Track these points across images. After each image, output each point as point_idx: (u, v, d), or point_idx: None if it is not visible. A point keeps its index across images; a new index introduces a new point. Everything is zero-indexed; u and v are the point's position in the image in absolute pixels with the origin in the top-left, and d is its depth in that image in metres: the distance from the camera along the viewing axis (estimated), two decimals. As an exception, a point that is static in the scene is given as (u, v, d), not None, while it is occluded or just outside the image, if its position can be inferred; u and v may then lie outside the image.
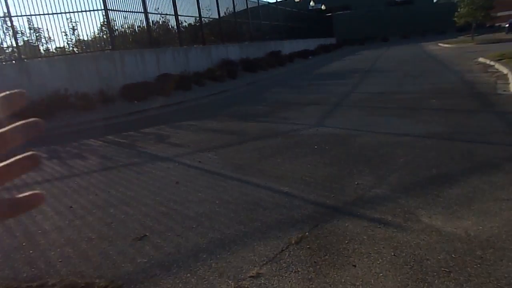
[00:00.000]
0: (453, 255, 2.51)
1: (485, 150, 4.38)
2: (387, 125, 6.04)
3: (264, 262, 2.66)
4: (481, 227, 2.79)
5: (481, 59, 13.82)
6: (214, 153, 5.50)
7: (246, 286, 2.42)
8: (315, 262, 2.61)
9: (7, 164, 0.34)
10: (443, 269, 2.39)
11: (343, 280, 2.39)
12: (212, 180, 4.42)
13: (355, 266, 2.52)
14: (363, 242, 2.78)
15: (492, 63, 12.50)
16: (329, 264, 2.57)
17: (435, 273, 2.35)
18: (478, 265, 2.38)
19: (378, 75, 12.72)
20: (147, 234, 3.24)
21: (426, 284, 2.27)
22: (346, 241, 2.81)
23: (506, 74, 9.86)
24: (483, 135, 4.95)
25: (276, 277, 2.48)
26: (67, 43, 12.46)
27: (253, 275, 2.52)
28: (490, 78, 9.88)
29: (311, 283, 2.40)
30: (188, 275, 2.60)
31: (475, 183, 3.54)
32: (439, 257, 2.50)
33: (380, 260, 2.55)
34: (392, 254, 2.60)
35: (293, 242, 2.86)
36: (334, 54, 19.68)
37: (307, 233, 2.97)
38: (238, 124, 7.47)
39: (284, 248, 2.79)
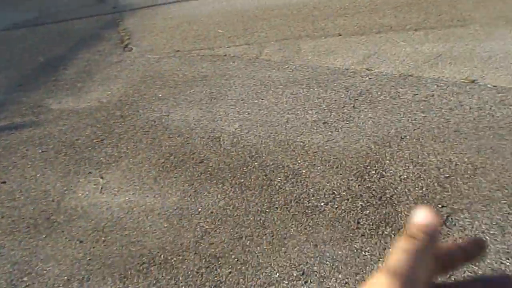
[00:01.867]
0: (98, 125, 2.53)
1: (79, 24, 4.34)
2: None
3: None
4: (110, 92, 2.89)
5: None
6: None
7: None
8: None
9: (450, 252, 0.28)
10: (95, 140, 2.38)
11: None
12: None
13: (4, 183, 2.13)
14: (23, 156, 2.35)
15: None
16: None
17: (90, 147, 2.32)
18: (123, 123, 2.52)
19: None
20: None
21: (77, 155, 2.23)
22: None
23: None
24: (71, 12, 4.83)
25: None
26: None
27: None
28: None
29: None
30: None
31: (124, 57, 3.46)
32: (87, 132, 2.46)
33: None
34: (40, 151, 2.34)
35: None
36: None
37: None
38: None
39: None
